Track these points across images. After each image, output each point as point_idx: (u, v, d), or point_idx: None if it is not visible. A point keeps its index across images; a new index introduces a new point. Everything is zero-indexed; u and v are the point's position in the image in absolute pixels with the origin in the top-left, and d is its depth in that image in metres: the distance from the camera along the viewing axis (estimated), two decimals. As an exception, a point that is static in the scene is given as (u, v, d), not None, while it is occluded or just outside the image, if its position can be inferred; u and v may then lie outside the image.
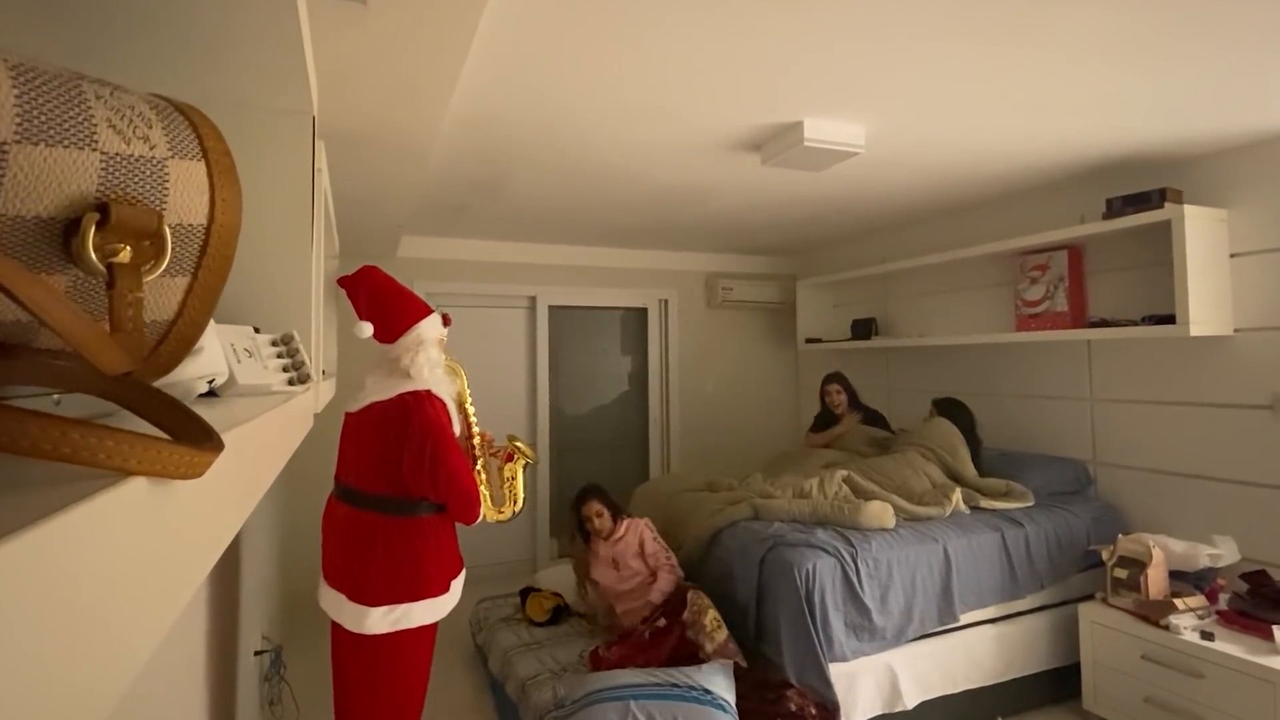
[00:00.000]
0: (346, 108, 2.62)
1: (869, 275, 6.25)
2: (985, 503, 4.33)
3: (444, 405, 2.86)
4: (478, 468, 3.13)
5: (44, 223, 0.44)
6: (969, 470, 4.67)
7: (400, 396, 2.78)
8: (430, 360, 2.86)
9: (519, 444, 3.22)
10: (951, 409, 5.17)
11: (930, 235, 5.89)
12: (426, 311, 2.96)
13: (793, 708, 3.37)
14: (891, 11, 2.40)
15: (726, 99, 3.13)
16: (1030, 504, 4.36)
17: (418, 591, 2.74)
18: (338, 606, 2.75)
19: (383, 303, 2.91)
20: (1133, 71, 2.90)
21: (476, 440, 3.17)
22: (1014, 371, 5.24)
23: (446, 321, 3.03)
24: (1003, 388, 5.32)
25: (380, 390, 2.82)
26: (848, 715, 3.48)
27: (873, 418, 5.79)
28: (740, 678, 3.59)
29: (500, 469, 3.22)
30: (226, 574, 2.54)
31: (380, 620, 2.69)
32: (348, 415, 2.91)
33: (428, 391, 2.81)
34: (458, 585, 2.94)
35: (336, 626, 2.80)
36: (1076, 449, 4.80)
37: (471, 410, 3.17)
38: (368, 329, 2.85)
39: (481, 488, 3.10)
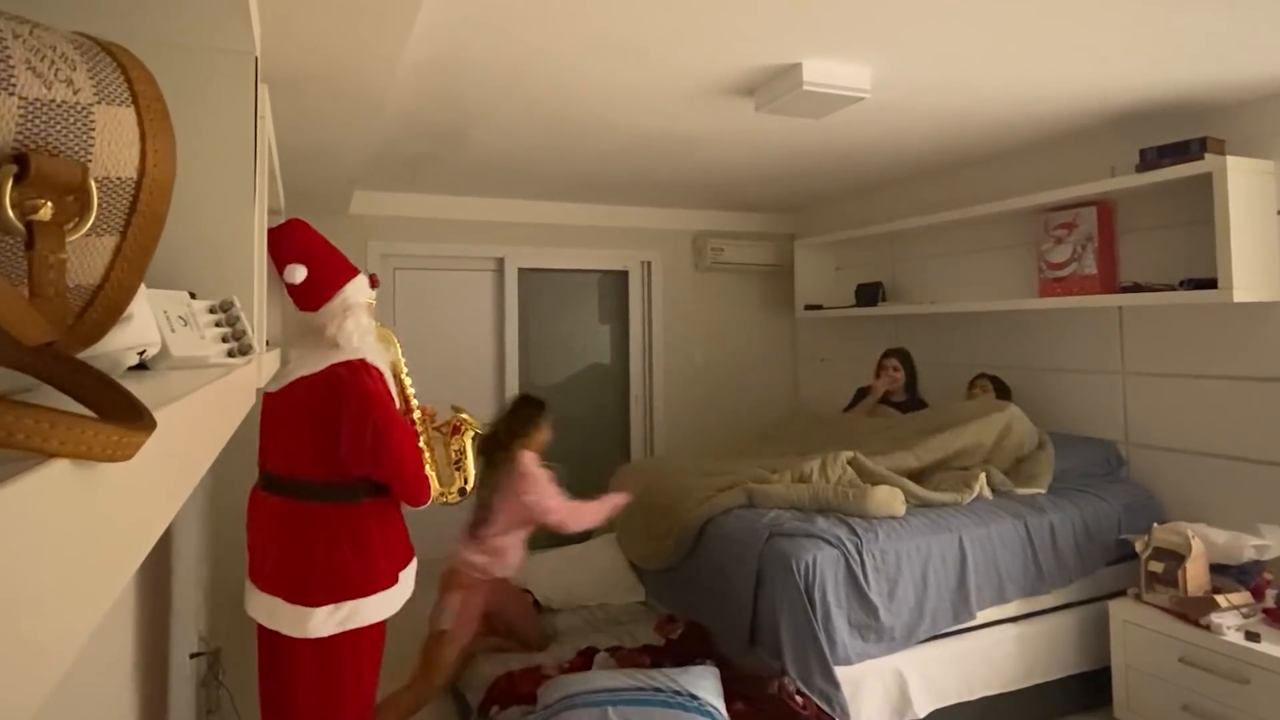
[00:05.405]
0: (293, 47, 2.60)
1: (875, 235, 6.25)
2: (1022, 489, 4.32)
3: (381, 375, 2.85)
4: (421, 445, 3.12)
5: (-47, 176, 0.44)
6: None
7: (331, 368, 2.75)
8: (360, 327, 2.84)
9: (464, 414, 3.22)
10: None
11: (943, 190, 5.89)
12: (352, 273, 2.94)
13: (790, 700, 3.40)
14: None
15: (717, 37, 3.11)
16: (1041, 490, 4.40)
17: (366, 586, 2.73)
18: (272, 612, 2.71)
19: (307, 263, 2.86)
20: (1169, 7, 2.90)
21: (417, 415, 3.16)
22: (1037, 342, 5.26)
23: (374, 284, 3.01)
24: (1024, 359, 5.35)
25: (307, 364, 2.78)
26: (852, 725, 3.50)
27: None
28: (732, 678, 3.61)
29: (446, 444, 3.22)
30: (157, 568, 2.53)
31: (325, 621, 2.67)
32: (268, 396, 2.87)
33: (361, 360, 2.79)
34: (407, 576, 2.92)
35: (267, 635, 2.77)
36: (1106, 428, 4.83)
37: (408, 382, 3.16)
38: (300, 271, 2.80)
39: (426, 468, 3.09)
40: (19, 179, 0.46)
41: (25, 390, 0.62)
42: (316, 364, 2.77)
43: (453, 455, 3.23)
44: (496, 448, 3.86)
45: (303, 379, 2.77)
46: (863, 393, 5.98)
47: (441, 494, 3.19)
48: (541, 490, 3.76)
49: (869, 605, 3.61)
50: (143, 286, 0.80)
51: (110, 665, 1.73)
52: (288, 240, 2.88)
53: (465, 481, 3.23)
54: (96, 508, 0.41)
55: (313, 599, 2.67)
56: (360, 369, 2.77)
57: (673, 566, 4.40)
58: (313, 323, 2.86)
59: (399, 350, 3.13)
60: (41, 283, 0.48)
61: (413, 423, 3.14)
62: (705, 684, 3.43)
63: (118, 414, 0.46)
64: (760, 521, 3.96)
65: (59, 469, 0.36)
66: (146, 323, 0.90)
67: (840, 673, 3.48)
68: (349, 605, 2.69)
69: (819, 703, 3.41)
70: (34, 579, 0.32)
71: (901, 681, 3.64)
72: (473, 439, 3.26)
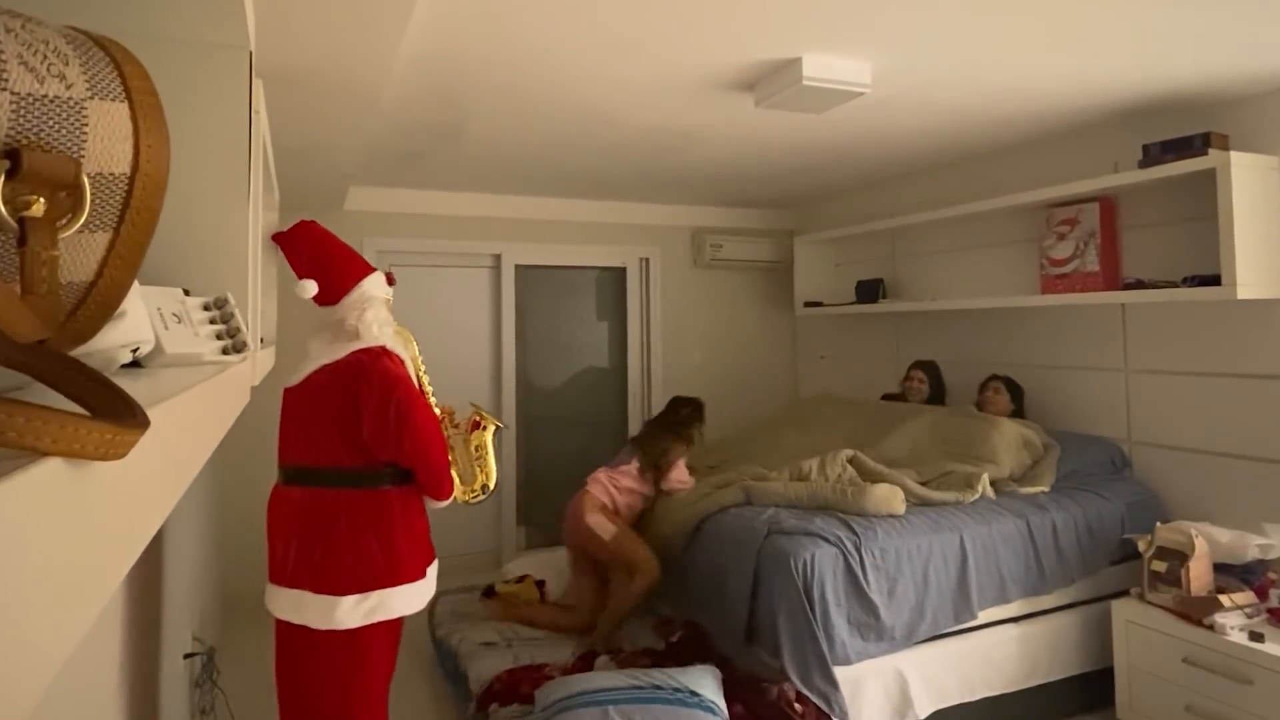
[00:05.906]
0: (288, 42, 2.60)
1: (876, 231, 6.25)
2: (1025, 489, 4.32)
3: (402, 361, 2.89)
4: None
5: (-55, 172, 0.44)
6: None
7: (353, 354, 2.79)
8: (379, 318, 2.89)
9: (483, 411, 3.23)
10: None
11: (945, 186, 5.87)
12: (369, 270, 2.98)
13: (789, 708, 3.40)
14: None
15: (715, 32, 3.11)
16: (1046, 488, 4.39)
17: (392, 576, 2.73)
18: (298, 605, 2.70)
19: (323, 261, 2.92)
20: (1172, 1, 2.90)
21: (436, 413, 3.16)
22: (1039, 339, 5.25)
23: (390, 280, 3.05)
24: (1026, 357, 5.34)
25: (327, 354, 2.82)
26: (852, 726, 3.50)
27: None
28: (731, 679, 3.61)
29: (466, 442, 3.23)
30: (149, 567, 2.53)
31: (352, 611, 2.66)
32: (288, 391, 2.89)
33: (382, 347, 2.83)
34: (434, 573, 2.95)
35: (289, 632, 2.76)
36: (1109, 426, 4.82)
37: (426, 380, 3.17)
38: (311, 287, 2.85)
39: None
40: (11, 174, 0.45)
41: (17, 388, 0.62)
42: (337, 353, 2.81)
43: (474, 453, 3.23)
44: (655, 442, 4.85)
45: (324, 368, 2.81)
46: (887, 399, 6.00)
47: (464, 492, 3.20)
48: (682, 474, 4.75)
49: (869, 604, 3.60)
50: (136, 283, 0.80)
51: (98, 664, 1.73)
52: (302, 240, 2.93)
53: (488, 478, 3.23)
54: (89, 507, 0.41)
55: (339, 587, 2.66)
56: (382, 354, 2.81)
57: (669, 564, 4.40)
58: (331, 317, 2.91)
59: (416, 348, 3.14)
60: (34, 279, 0.48)
61: None
62: (705, 683, 3.43)
63: (111, 412, 0.46)
64: (758, 519, 3.96)
65: (51, 468, 0.36)
66: (140, 320, 0.90)
67: (840, 673, 3.47)
68: (376, 595, 2.69)
69: (818, 703, 3.40)
70: (26, 579, 0.32)
71: (902, 681, 3.63)
72: (494, 435, 3.26)
